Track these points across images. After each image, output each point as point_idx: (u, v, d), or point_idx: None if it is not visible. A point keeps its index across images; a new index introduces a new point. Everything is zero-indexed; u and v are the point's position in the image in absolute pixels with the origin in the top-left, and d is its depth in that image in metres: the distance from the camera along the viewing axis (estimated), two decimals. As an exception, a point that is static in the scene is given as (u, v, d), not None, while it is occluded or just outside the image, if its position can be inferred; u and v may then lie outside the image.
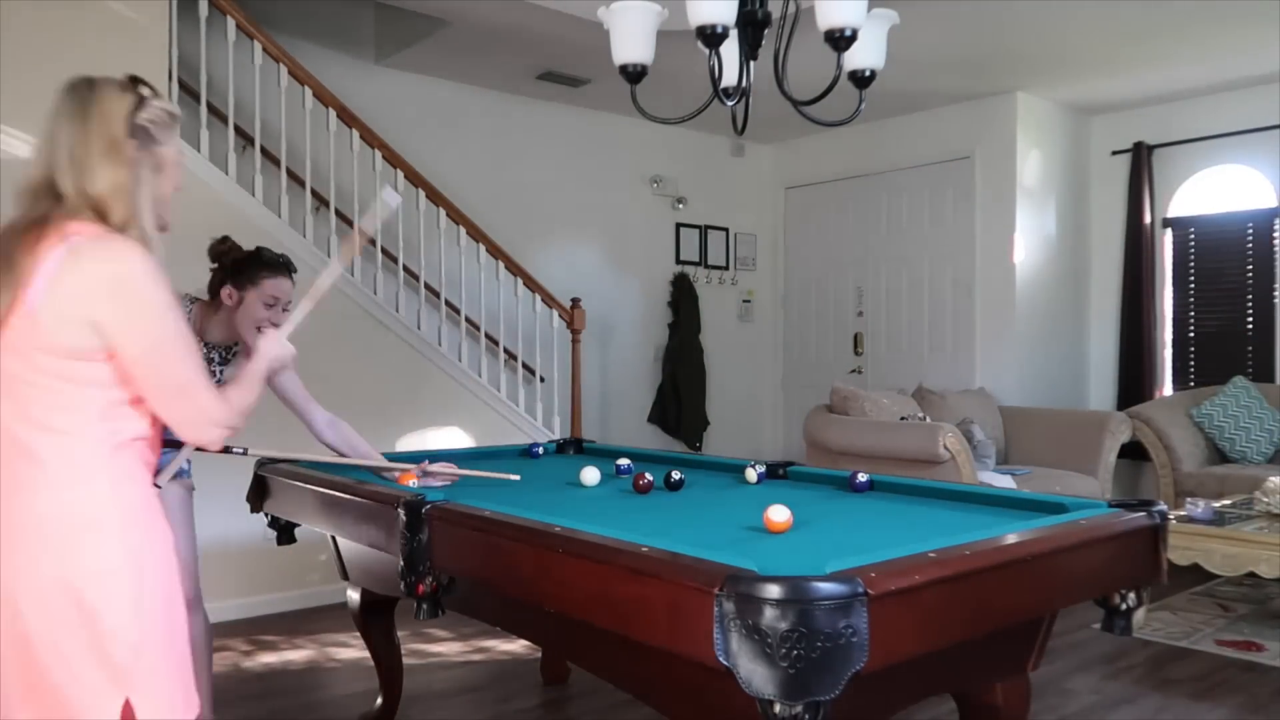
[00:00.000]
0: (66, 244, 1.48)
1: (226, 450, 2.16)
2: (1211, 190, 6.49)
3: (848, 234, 7.54)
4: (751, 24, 2.56)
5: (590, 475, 1.89)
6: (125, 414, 1.56)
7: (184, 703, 1.57)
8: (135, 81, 1.61)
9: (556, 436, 5.28)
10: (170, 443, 1.78)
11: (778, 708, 1.38)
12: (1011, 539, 1.79)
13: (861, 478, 2.62)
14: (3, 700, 1.49)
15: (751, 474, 2.81)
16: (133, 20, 4.22)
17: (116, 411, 1.55)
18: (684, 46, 2.96)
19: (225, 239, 2.64)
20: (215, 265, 2.66)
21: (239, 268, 2.59)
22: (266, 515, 3.02)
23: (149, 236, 1.56)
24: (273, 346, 1.91)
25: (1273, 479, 4.29)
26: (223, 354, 2.78)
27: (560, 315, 5.72)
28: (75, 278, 1.47)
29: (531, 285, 5.59)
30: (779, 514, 2.00)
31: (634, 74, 2.51)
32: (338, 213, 4.99)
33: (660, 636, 1.57)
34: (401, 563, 2.21)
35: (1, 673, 1.48)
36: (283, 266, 2.66)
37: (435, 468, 2.73)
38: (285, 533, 3.04)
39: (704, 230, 7.61)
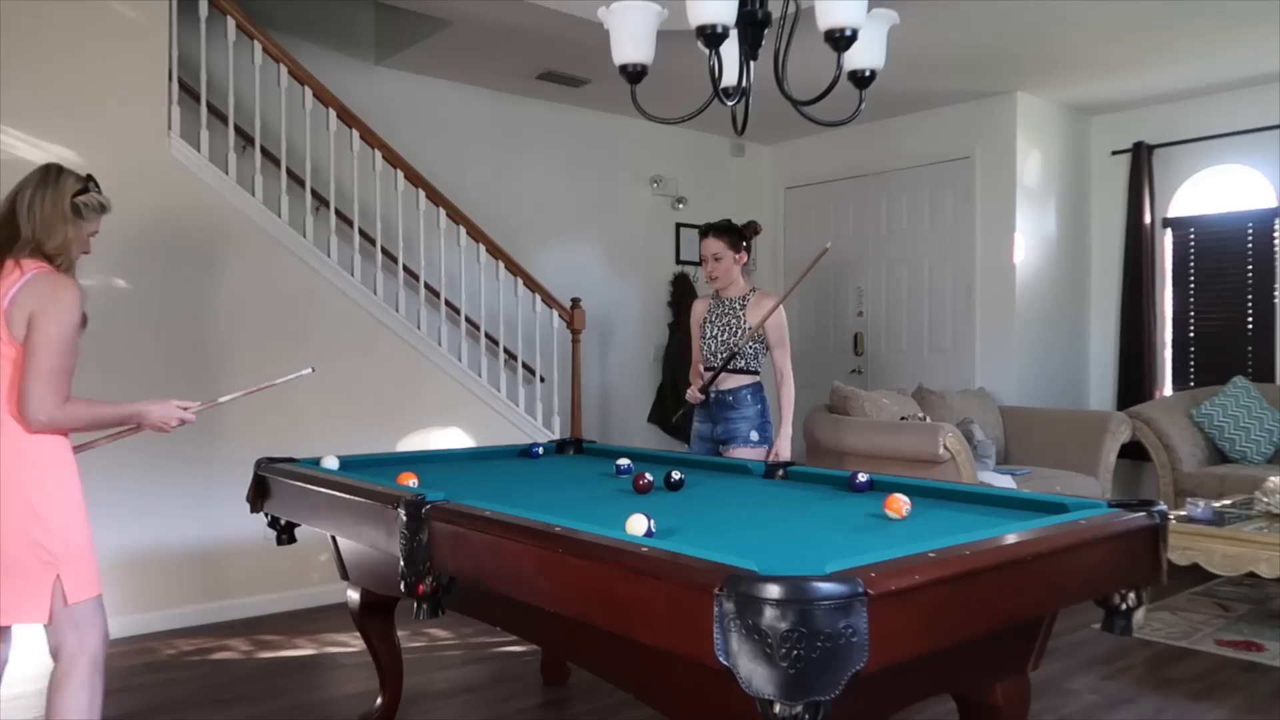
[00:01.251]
0: (25, 275, 2.30)
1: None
2: (1211, 190, 6.49)
3: (848, 234, 7.54)
4: (751, 24, 2.56)
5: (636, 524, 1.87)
6: None
7: (94, 583, 2.41)
8: (88, 178, 2.44)
9: (556, 436, 5.28)
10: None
11: (778, 708, 1.38)
12: (1011, 539, 1.79)
13: (862, 478, 2.62)
14: None
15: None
16: (133, 20, 4.22)
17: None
18: (684, 46, 2.96)
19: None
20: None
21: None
22: (266, 515, 3.02)
23: (74, 268, 2.45)
24: (159, 414, 2.68)
25: (1273, 479, 4.29)
26: None
27: (560, 315, 5.72)
28: (28, 295, 2.28)
29: (531, 285, 5.59)
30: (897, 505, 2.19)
31: (634, 74, 2.51)
32: (338, 213, 4.99)
33: (660, 636, 1.57)
34: (401, 563, 2.21)
35: None
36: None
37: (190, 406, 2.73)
38: (285, 533, 3.04)
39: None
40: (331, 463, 3.03)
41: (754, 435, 3.84)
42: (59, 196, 2.35)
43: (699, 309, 4.13)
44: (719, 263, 3.95)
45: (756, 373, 3.91)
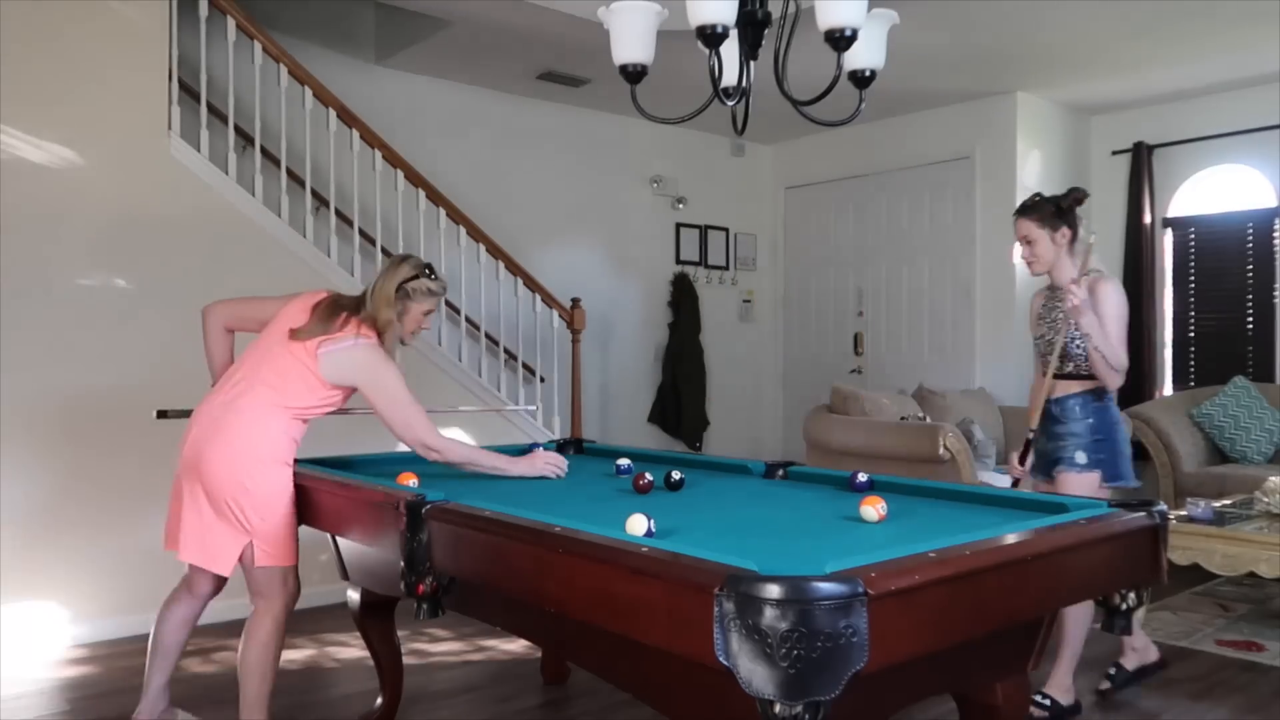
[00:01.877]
0: (356, 336, 2.74)
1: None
2: (1211, 190, 6.49)
3: (848, 234, 7.54)
4: (751, 24, 2.56)
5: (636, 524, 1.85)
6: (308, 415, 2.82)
7: (285, 555, 2.75)
8: (426, 265, 2.84)
9: (556, 436, 5.28)
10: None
11: (778, 708, 1.38)
12: (1011, 539, 1.79)
13: (862, 478, 2.62)
14: (184, 517, 2.72)
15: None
16: (133, 20, 4.22)
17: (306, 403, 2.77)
18: (684, 46, 2.96)
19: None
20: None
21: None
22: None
23: (392, 345, 2.81)
24: (512, 467, 2.89)
25: (1273, 479, 4.29)
26: None
27: (560, 315, 5.72)
28: (351, 365, 2.73)
29: (531, 285, 5.59)
30: (870, 511, 2.15)
31: (634, 74, 2.51)
32: (338, 213, 4.99)
33: (660, 636, 1.57)
34: (401, 563, 2.21)
35: (195, 501, 2.70)
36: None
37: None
38: (285, 533, 3.03)
39: (704, 230, 7.61)
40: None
41: (1080, 457, 3.17)
42: (390, 280, 2.79)
43: (1034, 304, 3.46)
44: (1032, 246, 3.25)
45: (1091, 376, 3.22)
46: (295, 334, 2.74)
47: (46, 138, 4.03)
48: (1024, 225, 3.25)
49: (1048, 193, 3.38)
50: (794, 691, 1.36)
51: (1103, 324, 3.17)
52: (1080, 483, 3.14)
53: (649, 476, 2.61)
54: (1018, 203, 6.07)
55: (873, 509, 2.14)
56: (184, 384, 4.33)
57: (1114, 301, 3.24)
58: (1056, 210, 3.24)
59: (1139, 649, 3.48)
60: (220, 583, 2.91)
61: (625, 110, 5.24)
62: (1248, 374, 6.11)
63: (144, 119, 4.26)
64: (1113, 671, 3.44)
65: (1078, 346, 3.20)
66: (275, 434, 2.72)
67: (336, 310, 2.78)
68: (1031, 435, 3.28)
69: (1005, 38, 5.42)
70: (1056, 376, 3.24)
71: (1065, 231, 3.23)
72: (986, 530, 1.89)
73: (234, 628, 4.23)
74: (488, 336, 5.48)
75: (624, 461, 3.02)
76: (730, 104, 2.63)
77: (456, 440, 2.85)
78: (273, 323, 2.82)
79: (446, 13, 5.13)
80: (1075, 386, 3.24)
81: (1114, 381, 3.21)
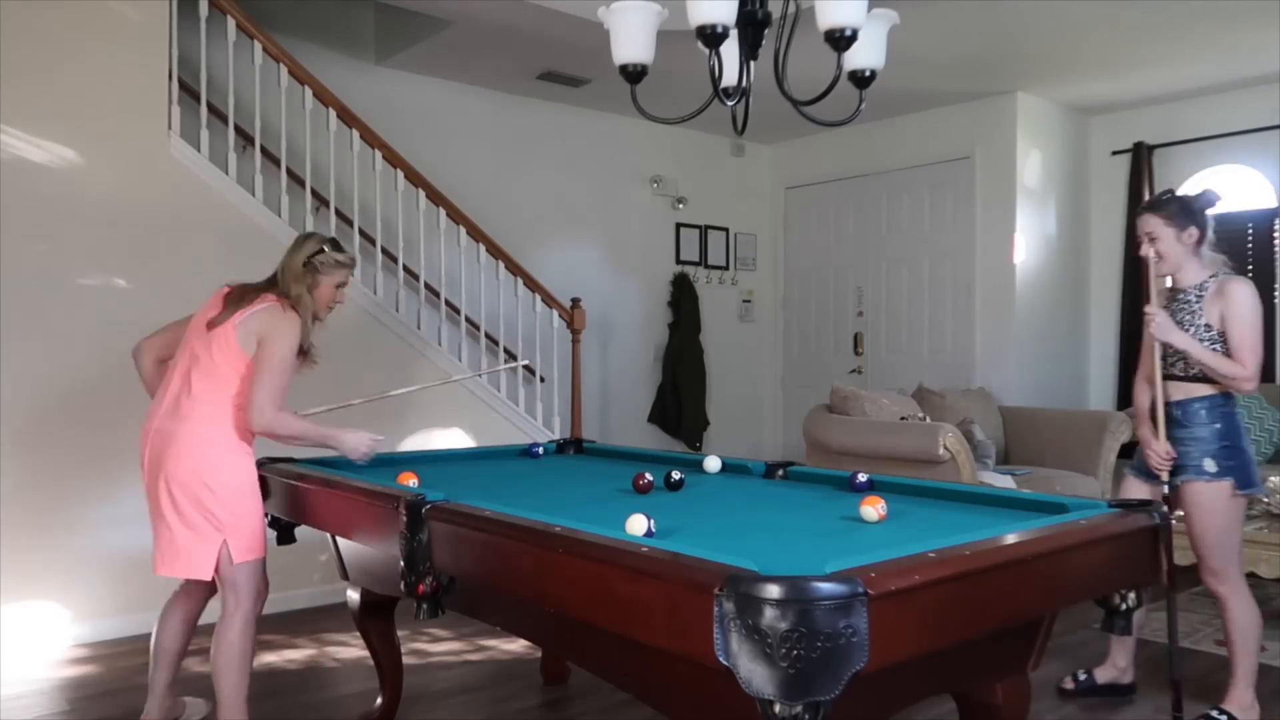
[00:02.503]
0: (266, 304, 2.84)
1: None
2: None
3: (848, 234, 7.54)
4: (751, 24, 2.55)
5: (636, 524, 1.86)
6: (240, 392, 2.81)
7: (257, 548, 2.87)
8: (330, 240, 2.96)
9: (556, 436, 5.28)
10: None
11: (778, 708, 1.38)
12: (1011, 539, 1.79)
13: (861, 478, 2.62)
14: (159, 534, 2.84)
15: (713, 463, 3.08)
16: (133, 20, 4.22)
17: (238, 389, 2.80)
18: (684, 46, 2.96)
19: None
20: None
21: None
22: (267, 515, 3.01)
23: (307, 321, 2.87)
24: (351, 442, 2.97)
25: (1273, 479, 4.29)
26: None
27: (560, 315, 5.72)
28: (257, 319, 2.80)
29: (531, 285, 5.59)
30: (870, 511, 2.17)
31: (634, 74, 2.51)
32: (338, 213, 4.99)
33: (660, 636, 1.57)
34: (401, 563, 2.21)
35: (163, 517, 2.79)
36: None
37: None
38: (285, 533, 3.04)
39: (704, 230, 7.61)
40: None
41: (1209, 465, 3.06)
42: (297, 255, 2.90)
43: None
44: (1157, 244, 3.08)
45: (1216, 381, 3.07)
46: (212, 323, 2.82)
47: (46, 138, 4.03)
48: (1149, 221, 3.09)
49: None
50: (794, 691, 1.36)
51: (1230, 325, 2.98)
52: (1211, 492, 3.04)
53: (649, 476, 2.61)
54: (1018, 203, 6.17)
55: (873, 509, 2.14)
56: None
57: (1245, 302, 2.99)
58: (1183, 208, 3.08)
59: (1120, 667, 3.45)
60: (213, 584, 2.93)
61: (625, 110, 5.24)
62: (1248, 374, 6.11)
63: (144, 119, 4.26)
64: (1082, 677, 3.45)
65: (1211, 349, 3.01)
66: (223, 428, 2.80)
67: (246, 293, 2.88)
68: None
69: (1005, 38, 5.42)
70: (1176, 379, 3.09)
71: (1192, 231, 3.06)
72: (986, 530, 1.89)
73: (234, 628, 4.24)
74: (488, 336, 5.48)
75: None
76: (730, 104, 2.63)
77: (289, 416, 2.81)
78: (190, 326, 2.92)
79: (446, 13, 5.13)
80: (1201, 390, 3.06)
81: (1243, 387, 3.02)
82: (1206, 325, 3.01)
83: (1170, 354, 3.09)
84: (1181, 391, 3.09)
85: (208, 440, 2.77)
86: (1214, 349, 3.00)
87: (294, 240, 3.00)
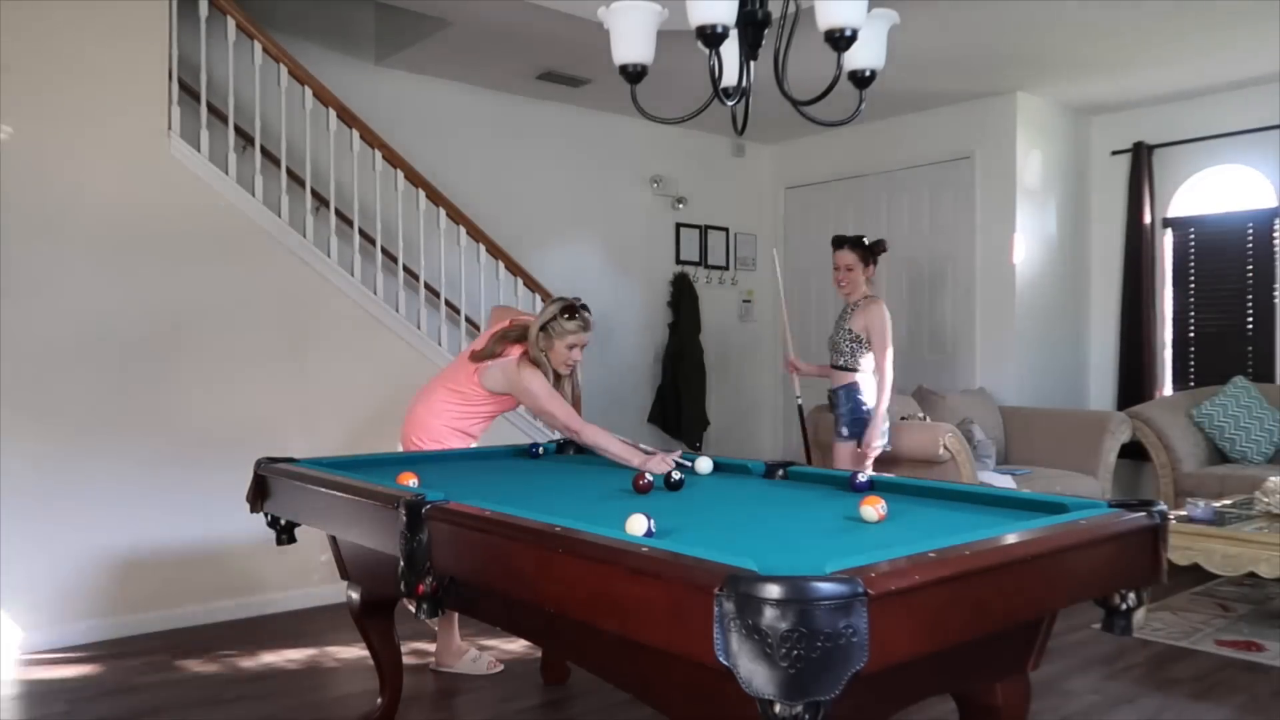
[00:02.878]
0: (513, 355, 3.45)
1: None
2: (1211, 190, 6.49)
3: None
4: (751, 24, 2.55)
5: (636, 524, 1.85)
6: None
7: None
8: (572, 308, 3.45)
9: (556, 436, 5.27)
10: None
11: (778, 708, 1.38)
12: (1011, 539, 1.79)
13: (861, 478, 2.62)
14: None
15: (705, 464, 3.10)
16: (133, 20, 4.22)
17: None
18: (684, 46, 2.96)
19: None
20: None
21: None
22: (266, 515, 3.01)
23: (548, 374, 3.43)
24: (633, 459, 3.22)
25: (1273, 479, 4.29)
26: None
27: (560, 315, 5.71)
28: (493, 373, 3.48)
29: (531, 285, 5.59)
30: (870, 511, 2.17)
31: (634, 74, 2.51)
32: (338, 213, 4.99)
33: (660, 636, 1.57)
34: (401, 563, 2.21)
35: None
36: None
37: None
38: (285, 533, 3.04)
39: (704, 230, 7.61)
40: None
41: (844, 430, 4.49)
42: (537, 323, 3.43)
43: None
44: (852, 273, 4.66)
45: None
46: (474, 355, 3.52)
47: (46, 137, 4.03)
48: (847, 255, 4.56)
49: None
50: (794, 691, 1.36)
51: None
52: (843, 448, 4.49)
53: (649, 476, 2.61)
54: (1018, 203, 6.42)
55: (873, 509, 2.14)
56: (183, 383, 4.35)
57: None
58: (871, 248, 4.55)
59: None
60: None
61: (625, 110, 5.24)
62: (1248, 374, 6.11)
63: (144, 119, 4.26)
64: None
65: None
66: (440, 411, 3.54)
67: (503, 341, 3.49)
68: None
69: (1005, 38, 5.42)
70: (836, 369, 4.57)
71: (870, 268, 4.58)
72: (986, 530, 1.89)
73: (234, 627, 4.26)
74: (488, 336, 5.48)
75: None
76: (730, 104, 2.63)
77: (596, 428, 3.38)
78: (470, 345, 3.69)
79: (446, 13, 5.13)
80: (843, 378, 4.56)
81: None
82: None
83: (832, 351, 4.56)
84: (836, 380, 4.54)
85: (428, 415, 3.60)
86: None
87: (546, 303, 3.58)
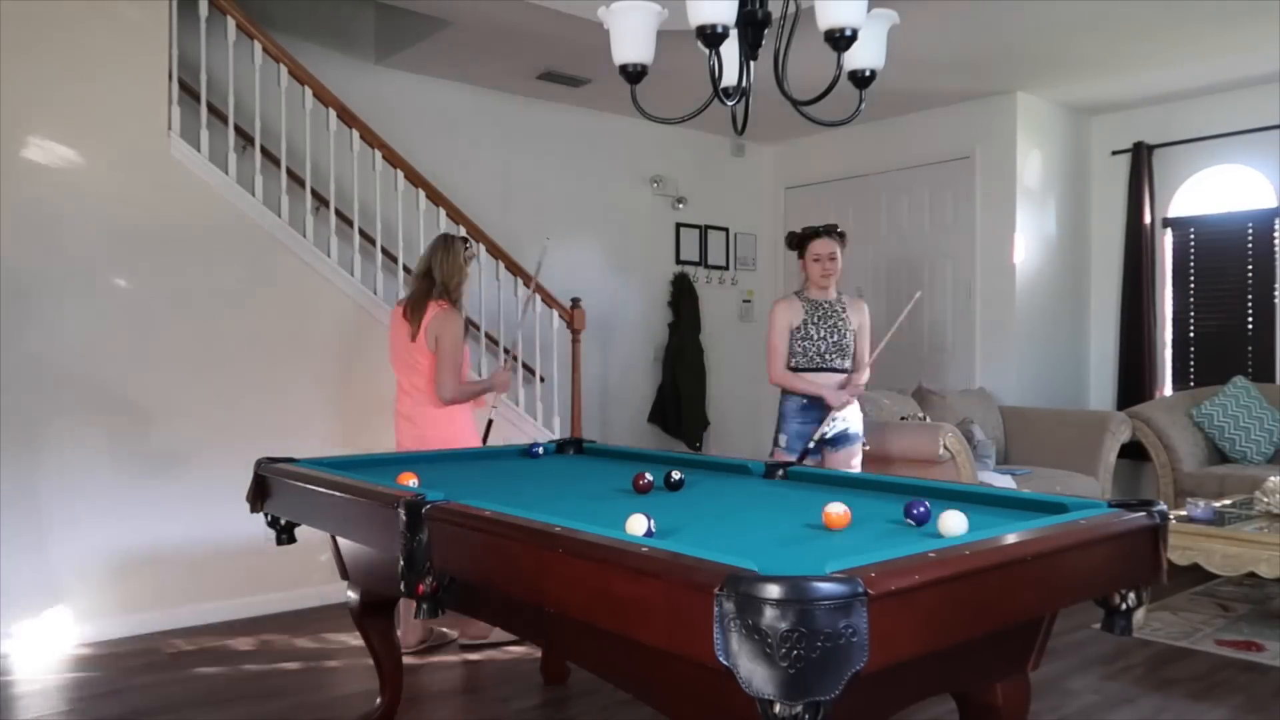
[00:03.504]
0: (438, 308, 3.84)
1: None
2: (1211, 190, 6.49)
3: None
4: (751, 24, 2.55)
5: (636, 524, 1.84)
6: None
7: None
8: (464, 238, 4.05)
9: (556, 436, 5.28)
10: None
11: (778, 708, 1.38)
12: (1011, 539, 1.79)
13: (921, 508, 2.10)
14: None
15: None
16: (133, 20, 4.22)
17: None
18: (684, 46, 2.96)
19: None
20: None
21: None
22: (266, 515, 3.01)
23: (462, 306, 3.95)
24: (500, 379, 4.17)
25: (1273, 479, 4.29)
26: None
27: (560, 315, 5.72)
28: (437, 323, 3.81)
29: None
30: (837, 512, 2.05)
31: (634, 74, 2.51)
32: (338, 213, 4.99)
33: (660, 636, 1.57)
34: (401, 563, 2.21)
35: None
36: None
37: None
38: (285, 533, 3.04)
39: (704, 230, 7.61)
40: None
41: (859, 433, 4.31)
42: (455, 254, 3.90)
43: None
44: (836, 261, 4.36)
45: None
46: (411, 337, 3.86)
47: (47, 138, 4.03)
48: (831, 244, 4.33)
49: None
50: (794, 691, 1.36)
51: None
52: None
53: (649, 476, 2.61)
54: (1018, 203, 6.32)
55: (838, 512, 2.05)
56: (183, 382, 4.35)
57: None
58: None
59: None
60: None
61: (625, 110, 5.25)
62: (1248, 374, 6.12)
63: (144, 119, 4.27)
64: None
65: None
66: (446, 412, 3.92)
67: (417, 309, 3.87)
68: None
69: (1005, 38, 5.42)
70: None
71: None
72: (986, 530, 1.89)
73: (234, 627, 4.26)
74: (488, 336, 5.48)
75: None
76: (730, 104, 2.63)
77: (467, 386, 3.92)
78: (393, 341, 3.99)
79: (446, 13, 5.13)
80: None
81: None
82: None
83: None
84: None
85: (441, 417, 3.95)
86: None
87: (435, 244, 3.95)
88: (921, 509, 2.08)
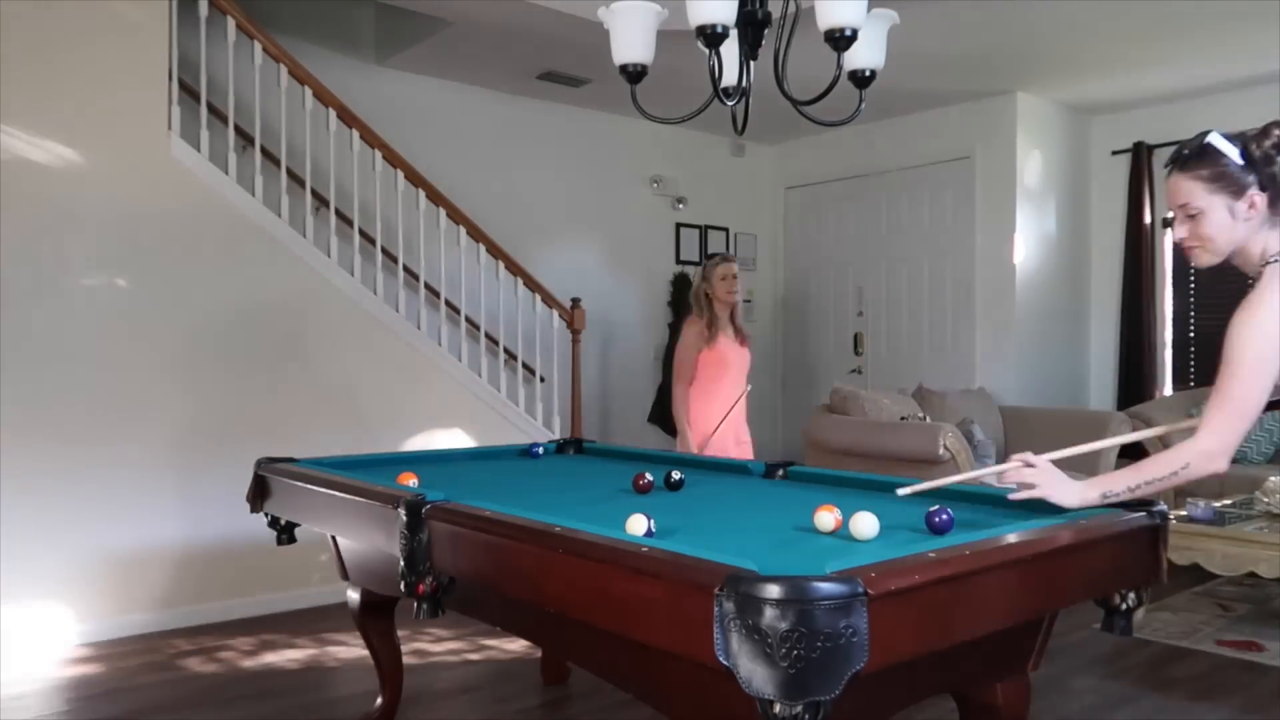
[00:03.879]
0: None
1: None
2: (1211, 190, 6.48)
3: (848, 234, 7.54)
4: (751, 24, 2.56)
5: (636, 524, 1.83)
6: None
7: None
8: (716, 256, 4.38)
9: (556, 436, 5.28)
10: None
11: (778, 708, 1.38)
12: (1011, 539, 1.79)
13: (943, 516, 1.95)
14: None
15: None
16: (133, 20, 4.22)
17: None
18: (684, 46, 2.96)
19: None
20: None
21: None
22: (266, 515, 3.01)
23: (713, 313, 4.45)
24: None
25: (1273, 479, 4.29)
26: None
27: (560, 315, 5.72)
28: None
29: (531, 285, 5.59)
30: (826, 520, 2.00)
31: (634, 74, 2.51)
32: (338, 213, 4.99)
33: (660, 636, 1.57)
34: (401, 563, 2.21)
35: None
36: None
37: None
38: (285, 533, 3.04)
39: (704, 230, 7.61)
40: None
41: None
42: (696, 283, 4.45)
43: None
44: (1195, 222, 2.09)
45: None
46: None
47: (47, 138, 4.03)
48: (1183, 186, 2.01)
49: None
50: (794, 691, 1.36)
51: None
52: None
53: (649, 476, 2.61)
54: (1018, 203, 6.14)
55: (829, 516, 2.02)
56: (183, 382, 4.35)
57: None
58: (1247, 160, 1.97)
59: None
60: None
61: (625, 110, 5.23)
62: (1248, 374, 6.10)
63: (144, 119, 4.26)
64: None
65: None
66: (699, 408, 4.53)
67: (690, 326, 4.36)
68: None
69: (1005, 38, 5.42)
70: None
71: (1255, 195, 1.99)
72: (986, 530, 1.88)
73: (234, 626, 4.26)
74: (488, 336, 5.48)
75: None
76: (730, 104, 2.63)
77: (687, 401, 4.54)
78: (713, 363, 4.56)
79: (446, 13, 5.13)
80: None
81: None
82: None
83: None
84: None
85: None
86: None
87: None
88: (944, 517, 1.94)
